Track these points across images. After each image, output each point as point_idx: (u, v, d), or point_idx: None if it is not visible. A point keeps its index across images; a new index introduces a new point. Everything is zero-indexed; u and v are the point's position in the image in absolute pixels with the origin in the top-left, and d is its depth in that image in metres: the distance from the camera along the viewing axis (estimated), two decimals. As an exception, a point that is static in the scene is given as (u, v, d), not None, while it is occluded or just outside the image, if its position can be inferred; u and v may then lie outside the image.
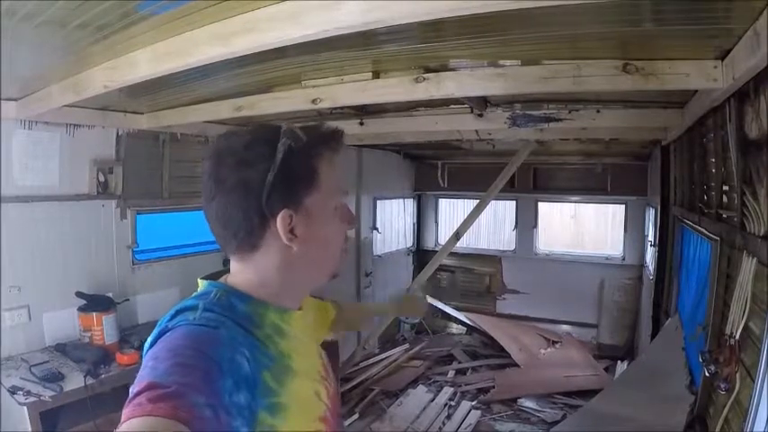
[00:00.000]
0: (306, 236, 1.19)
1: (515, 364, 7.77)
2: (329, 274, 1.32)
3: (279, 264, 1.21)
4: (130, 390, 0.90)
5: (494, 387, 7.23)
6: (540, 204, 9.66)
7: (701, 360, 3.06)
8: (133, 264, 4.97)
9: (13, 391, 3.35)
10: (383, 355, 8.03)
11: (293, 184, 1.17)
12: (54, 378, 3.52)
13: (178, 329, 1.03)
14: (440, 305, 9.47)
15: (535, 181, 9.43)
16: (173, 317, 1.09)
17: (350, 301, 2.00)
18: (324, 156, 1.23)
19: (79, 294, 4.14)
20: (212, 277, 1.27)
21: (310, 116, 4.36)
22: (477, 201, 6.02)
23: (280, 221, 1.17)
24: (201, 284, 1.25)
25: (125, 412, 0.85)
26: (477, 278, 10.13)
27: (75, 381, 3.57)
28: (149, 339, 1.07)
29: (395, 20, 1.68)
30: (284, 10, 1.89)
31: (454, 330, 9.76)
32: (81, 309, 4.13)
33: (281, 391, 1.09)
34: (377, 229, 8.95)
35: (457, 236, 6.06)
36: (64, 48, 2.58)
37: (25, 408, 3.24)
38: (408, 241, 10.42)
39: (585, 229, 9.73)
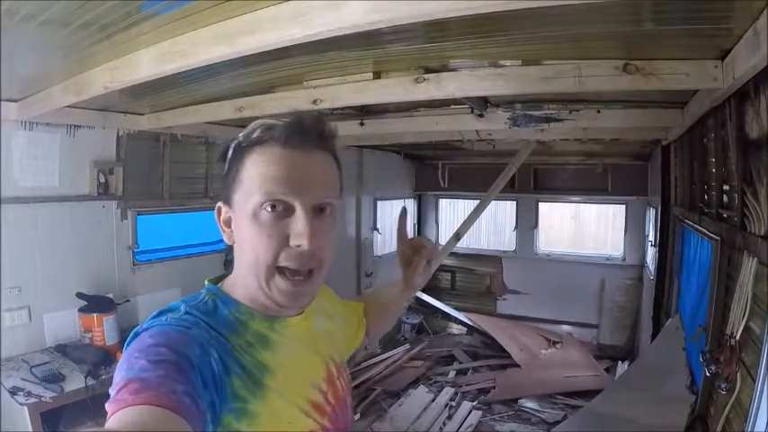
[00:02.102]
0: (235, 232, 1.19)
1: (516, 365, 7.77)
2: (266, 293, 1.16)
3: (236, 262, 1.21)
4: (109, 391, 0.91)
5: (494, 387, 7.23)
6: (540, 205, 9.69)
7: (701, 360, 3.06)
8: (134, 264, 4.97)
9: (13, 391, 3.35)
10: (384, 356, 8.02)
11: (226, 178, 1.19)
12: (55, 379, 3.53)
13: (150, 330, 1.03)
14: (440, 305, 9.47)
15: (536, 181, 9.45)
16: (153, 317, 1.09)
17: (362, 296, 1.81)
18: (253, 149, 1.15)
19: (80, 295, 4.14)
20: (219, 279, 1.27)
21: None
22: (478, 201, 6.02)
23: (215, 212, 1.22)
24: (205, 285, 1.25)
25: (108, 410, 0.86)
26: (478, 278, 10.15)
27: (75, 381, 3.58)
28: (128, 340, 1.06)
29: (397, 20, 1.68)
30: (287, 10, 1.89)
31: (455, 331, 9.76)
32: (81, 310, 4.14)
33: (251, 399, 1.07)
34: (377, 229, 8.95)
35: (457, 236, 6.06)
36: (65, 48, 2.58)
37: (26, 408, 3.24)
38: (409, 242, 10.34)
39: (586, 229, 9.72)
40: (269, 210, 1.10)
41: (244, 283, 1.19)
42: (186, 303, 1.14)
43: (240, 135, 1.16)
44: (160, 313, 1.10)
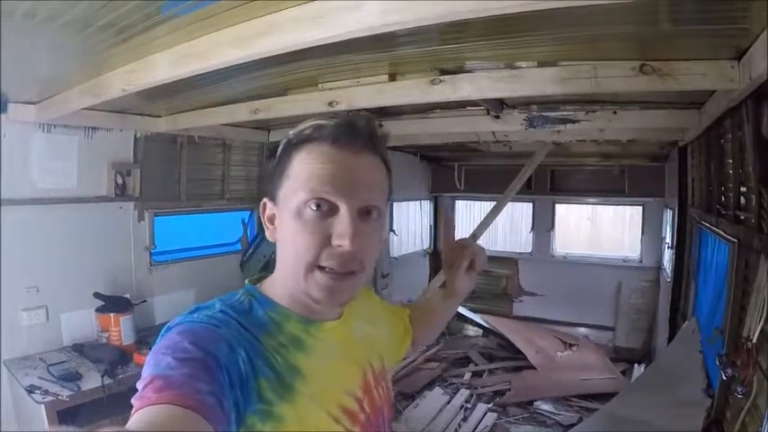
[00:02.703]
0: (278, 229, 1.17)
1: (532, 367, 7.73)
2: (303, 288, 1.13)
3: (278, 259, 1.20)
4: (137, 386, 0.92)
5: (510, 389, 7.20)
6: (557, 206, 9.64)
7: (717, 363, 3.04)
8: (150, 265, 5.02)
9: (30, 390, 3.39)
10: (399, 357, 8.00)
11: (273, 173, 1.18)
12: (71, 377, 3.56)
13: (180, 326, 1.03)
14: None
15: (552, 183, 9.40)
16: (187, 314, 1.09)
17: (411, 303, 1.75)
18: (302, 147, 1.13)
19: (97, 295, 4.18)
20: (259, 280, 1.26)
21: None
22: (494, 203, 6.01)
23: (260, 208, 1.22)
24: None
25: (133, 406, 0.87)
26: (494, 280, 10.08)
27: (92, 380, 3.61)
28: (160, 333, 1.06)
29: (414, 21, 1.67)
30: (306, 12, 1.89)
31: (470, 332, 9.69)
32: (98, 309, 4.18)
33: (278, 402, 1.05)
34: (394, 230, 8.94)
35: (474, 238, 6.04)
36: (84, 51, 2.60)
37: (43, 407, 3.27)
38: (425, 243, 10.41)
39: (603, 230, 9.67)
40: (313, 208, 1.08)
41: (283, 280, 1.18)
42: (222, 302, 1.14)
43: (291, 133, 1.16)
44: (195, 310, 1.10)
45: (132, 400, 0.88)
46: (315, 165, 1.10)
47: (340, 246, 1.08)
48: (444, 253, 1.61)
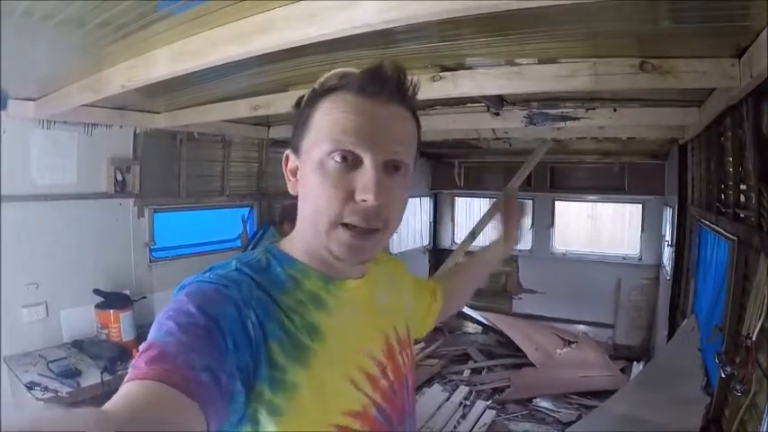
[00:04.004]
0: (300, 182, 1.12)
1: (531, 364, 7.73)
2: (324, 244, 1.07)
3: (299, 214, 1.13)
4: (139, 348, 0.89)
5: (509, 387, 7.20)
6: (556, 203, 9.63)
7: (717, 361, 3.03)
8: (150, 261, 5.04)
9: (30, 386, 3.39)
10: (399, 354, 7.99)
11: (296, 124, 1.13)
12: (71, 374, 3.57)
13: (190, 286, 1.00)
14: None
15: (552, 180, 9.41)
16: (203, 272, 1.05)
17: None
18: (327, 96, 1.07)
19: (97, 292, 4.19)
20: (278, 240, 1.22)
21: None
22: (494, 199, 6.01)
23: (283, 161, 1.17)
24: None
25: (128, 373, 0.83)
26: (494, 277, 9.98)
27: (92, 377, 3.63)
28: (176, 289, 1.02)
29: (411, 19, 1.68)
30: (301, 10, 1.89)
31: (470, 329, 9.69)
32: (98, 306, 4.19)
33: (291, 368, 0.98)
34: (393, 227, 8.91)
35: (473, 235, 6.04)
36: (83, 47, 2.60)
37: (42, 403, 3.25)
38: (425, 240, 10.46)
39: (602, 228, 9.65)
40: (337, 160, 1.02)
41: (303, 236, 1.12)
42: (238, 260, 1.09)
43: (317, 82, 1.11)
44: (210, 269, 1.06)
45: (130, 366, 0.85)
46: (339, 114, 1.04)
47: (364, 200, 1.02)
48: (505, 204, 1.77)
